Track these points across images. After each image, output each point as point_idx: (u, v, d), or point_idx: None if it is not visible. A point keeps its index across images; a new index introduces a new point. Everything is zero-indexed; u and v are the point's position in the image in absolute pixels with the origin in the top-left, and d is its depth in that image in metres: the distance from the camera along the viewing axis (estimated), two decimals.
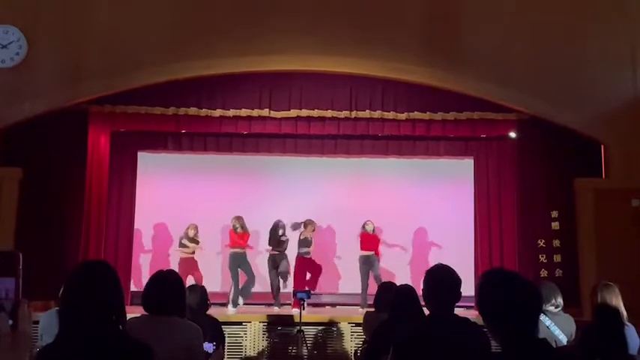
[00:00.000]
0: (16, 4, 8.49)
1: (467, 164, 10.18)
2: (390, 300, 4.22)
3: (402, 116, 9.16)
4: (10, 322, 1.52)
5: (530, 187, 9.18)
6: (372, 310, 5.64)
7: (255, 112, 9.06)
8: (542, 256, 9.04)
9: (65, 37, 8.41)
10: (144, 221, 9.94)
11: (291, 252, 9.60)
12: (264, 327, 8.17)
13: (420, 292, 3.42)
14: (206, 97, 9.05)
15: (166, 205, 10.09)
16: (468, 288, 3.10)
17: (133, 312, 3.14)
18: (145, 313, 3.17)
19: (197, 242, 9.58)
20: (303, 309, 7.91)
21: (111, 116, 9.05)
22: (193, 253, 9.55)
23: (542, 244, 9.07)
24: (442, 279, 3.03)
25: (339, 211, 10.21)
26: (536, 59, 8.61)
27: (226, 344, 5.84)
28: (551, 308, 4.28)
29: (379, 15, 8.60)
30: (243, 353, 8.05)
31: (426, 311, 3.13)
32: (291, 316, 8.20)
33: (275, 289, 9.31)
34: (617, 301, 4.10)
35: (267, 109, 9.05)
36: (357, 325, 7.83)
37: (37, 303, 6.81)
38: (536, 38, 8.64)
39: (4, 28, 8.31)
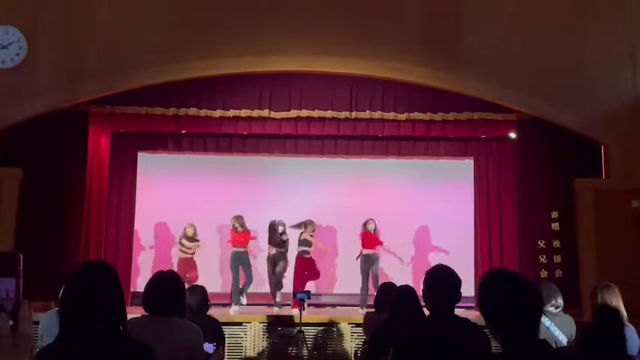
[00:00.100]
0: (16, 4, 8.49)
1: (467, 165, 10.18)
2: (390, 300, 4.22)
3: (402, 117, 9.16)
4: (11, 322, 1.52)
5: (530, 187, 9.18)
6: (372, 310, 5.65)
7: (255, 113, 9.06)
8: (542, 257, 9.04)
9: (65, 37, 8.41)
10: (144, 222, 9.94)
11: (292, 252, 9.61)
12: (264, 327, 8.17)
13: (420, 293, 3.42)
14: (206, 98, 9.05)
15: (166, 206, 10.09)
16: (468, 288, 3.10)
17: (134, 312, 3.14)
18: (145, 313, 3.16)
19: (197, 241, 9.56)
20: (303, 309, 7.91)
21: (111, 117, 9.05)
22: (193, 253, 9.55)
23: (542, 244, 9.06)
24: (442, 279, 3.03)
25: (339, 211, 10.20)
26: (536, 59, 8.62)
27: (226, 345, 5.84)
28: (552, 309, 4.28)
29: (379, 15, 8.60)
30: (244, 354, 8.04)
31: (426, 312, 3.13)
32: (291, 317, 8.20)
33: (273, 289, 9.31)
34: (617, 301, 4.10)
35: (267, 110, 9.05)
36: (357, 325, 7.83)
37: (37, 303, 6.81)
38: (536, 38, 8.65)
39: (4, 28, 8.31)
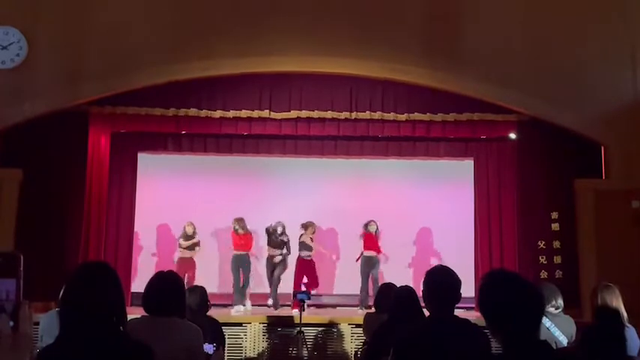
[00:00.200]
0: (16, 5, 8.50)
1: (467, 165, 10.18)
2: (390, 301, 4.22)
3: (402, 117, 9.16)
4: (11, 323, 1.52)
5: (530, 188, 9.18)
6: (373, 311, 5.65)
7: (255, 113, 9.06)
8: (542, 257, 9.04)
9: (65, 38, 8.42)
10: (144, 222, 9.93)
11: (294, 254, 9.62)
12: (265, 328, 8.17)
13: (420, 294, 3.42)
14: (206, 98, 9.05)
15: (166, 206, 10.09)
16: (468, 289, 3.09)
17: (134, 313, 3.14)
18: (145, 314, 3.16)
19: (196, 241, 9.52)
20: (304, 310, 7.91)
21: (111, 117, 9.05)
22: (193, 253, 9.52)
23: (542, 245, 9.07)
24: (442, 280, 3.02)
25: (340, 212, 10.21)
26: (536, 60, 8.62)
27: (226, 345, 5.84)
28: (552, 309, 4.28)
29: (379, 16, 8.60)
30: (244, 354, 8.04)
31: (427, 312, 3.13)
32: (291, 317, 8.20)
33: (273, 292, 9.31)
34: (617, 302, 4.10)
35: (267, 110, 9.05)
36: (358, 326, 7.83)
37: (37, 304, 6.78)
38: (536, 39, 8.65)
39: (4, 29, 8.32)
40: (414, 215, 10.36)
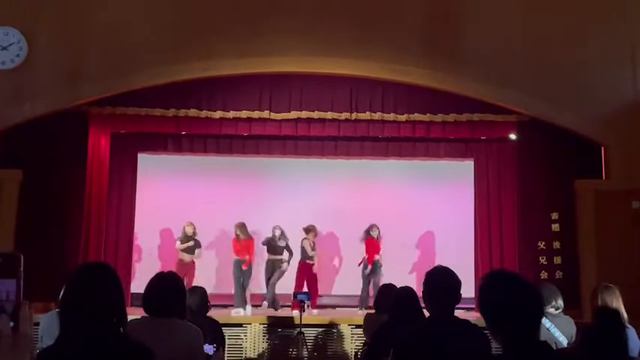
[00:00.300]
0: (16, 6, 8.50)
1: (467, 166, 10.18)
2: (391, 302, 4.22)
3: (402, 118, 9.17)
4: (11, 323, 1.52)
5: (530, 188, 9.18)
6: (373, 312, 5.64)
7: (256, 114, 9.07)
8: (542, 258, 9.04)
9: (65, 38, 8.42)
10: (144, 223, 9.93)
11: (295, 256, 9.62)
12: (265, 329, 8.17)
13: (420, 294, 3.42)
14: (206, 99, 9.06)
15: (166, 207, 10.09)
16: (468, 290, 3.09)
17: (134, 313, 3.14)
18: (146, 314, 3.16)
19: (191, 244, 9.48)
20: (304, 311, 7.90)
21: (111, 118, 9.06)
22: (193, 256, 9.49)
23: (542, 245, 9.07)
24: (442, 281, 3.02)
25: (340, 212, 10.21)
26: (536, 60, 8.62)
27: (226, 346, 5.84)
28: (552, 310, 4.28)
29: (379, 16, 8.61)
30: (244, 355, 8.04)
31: (427, 313, 3.13)
32: (291, 318, 8.20)
33: (270, 299, 9.30)
34: (617, 303, 4.10)
35: (268, 111, 9.06)
36: (358, 327, 7.82)
37: (37, 304, 6.78)
38: (536, 39, 8.65)
39: (4, 29, 8.32)
40: (414, 216, 10.36)
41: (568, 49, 8.66)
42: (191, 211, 9.88)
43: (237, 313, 8.81)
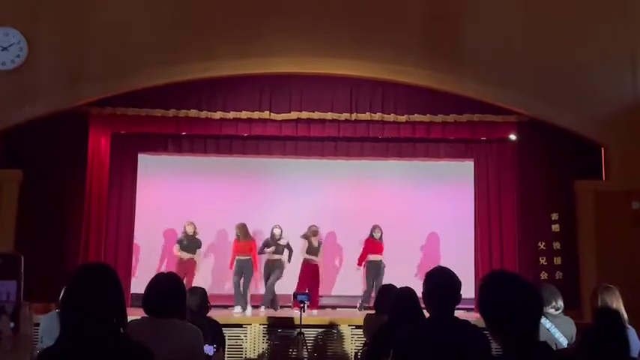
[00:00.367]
0: (16, 6, 8.50)
1: (467, 166, 10.18)
2: (391, 302, 4.22)
3: (402, 118, 9.17)
4: (12, 324, 1.52)
5: (530, 189, 9.18)
6: (373, 312, 5.64)
7: (256, 115, 9.07)
8: (542, 259, 9.04)
9: (65, 39, 8.42)
10: (144, 223, 9.93)
11: (297, 258, 9.64)
12: (265, 329, 8.17)
13: (420, 295, 3.42)
14: (206, 99, 9.06)
15: (167, 207, 10.09)
16: (468, 290, 3.09)
17: (134, 314, 3.14)
18: (146, 315, 3.16)
19: (199, 241, 9.50)
20: (304, 311, 7.90)
21: (111, 118, 9.06)
22: (194, 254, 9.50)
23: (542, 246, 9.07)
24: (442, 282, 3.02)
25: (340, 213, 10.21)
26: (536, 61, 8.63)
27: (227, 346, 5.84)
28: (552, 311, 4.27)
29: (379, 16, 8.61)
30: (244, 355, 8.04)
31: (427, 314, 3.13)
32: (291, 319, 8.20)
33: (268, 299, 9.30)
34: (617, 303, 4.09)
35: (268, 112, 9.06)
36: (358, 327, 7.83)
37: (37, 305, 6.80)
38: (536, 40, 8.66)
39: (4, 30, 8.32)
40: (414, 216, 10.36)
41: (568, 49, 8.66)
42: (191, 212, 9.88)
43: (237, 313, 8.82)
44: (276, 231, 9.47)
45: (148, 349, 2.18)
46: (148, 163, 10.08)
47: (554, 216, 9.10)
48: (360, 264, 9.70)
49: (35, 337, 4.61)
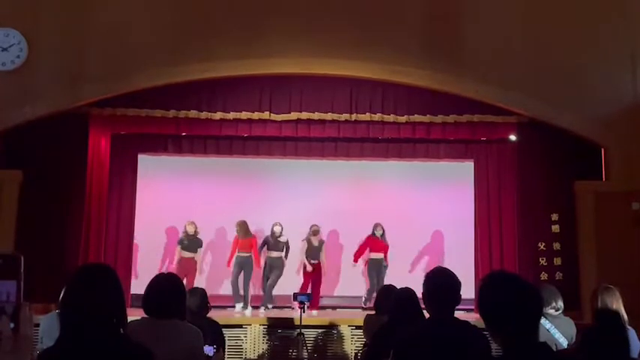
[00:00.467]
0: (16, 7, 8.51)
1: (467, 167, 10.18)
2: (391, 303, 4.22)
3: (402, 119, 9.17)
4: (12, 325, 1.52)
5: (530, 189, 9.18)
6: (373, 312, 5.64)
7: (256, 115, 9.07)
8: (542, 259, 9.04)
9: (65, 40, 8.43)
10: (144, 224, 9.92)
11: (295, 257, 9.63)
12: (265, 330, 8.17)
13: (420, 295, 3.42)
14: (206, 100, 9.06)
15: (167, 208, 10.09)
16: (467, 291, 3.09)
17: (134, 314, 3.14)
18: (146, 315, 3.16)
19: (200, 240, 9.50)
20: (304, 312, 7.90)
21: (111, 119, 9.06)
22: (195, 253, 9.49)
23: (542, 246, 9.07)
24: (442, 282, 3.03)
25: (340, 213, 10.21)
26: (536, 61, 8.63)
27: (227, 347, 5.84)
28: (552, 311, 4.27)
29: (379, 17, 8.61)
30: (244, 356, 8.04)
31: (427, 314, 3.13)
32: (291, 319, 8.20)
33: (267, 295, 9.31)
34: (617, 304, 4.09)
35: (268, 112, 9.06)
36: (358, 327, 7.83)
37: (37, 305, 6.80)
38: (536, 40, 8.66)
39: (4, 31, 8.33)
40: (414, 217, 10.36)
41: (568, 49, 8.66)
42: (191, 212, 9.87)
43: (237, 311, 8.83)
44: (277, 228, 9.47)
45: (148, 350, 2.18)
46: (148, 164, 10.08)
47: (554, 216, 9.10)
48: (355, 260, 9.69)
49: (35, 337, 4.62)
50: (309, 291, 9.10)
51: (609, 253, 8.26)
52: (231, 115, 9.06)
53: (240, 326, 8.13)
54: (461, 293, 3.04)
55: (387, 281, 8.48)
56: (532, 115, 8.95)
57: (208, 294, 4.78)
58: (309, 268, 9.47)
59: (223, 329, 4.93)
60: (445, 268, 3.16)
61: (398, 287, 4.49)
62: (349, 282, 10.15)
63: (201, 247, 9.55)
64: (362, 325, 5.87)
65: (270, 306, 9.29)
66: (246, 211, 9.74)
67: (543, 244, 9.07)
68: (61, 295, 2.26)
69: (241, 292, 9.30)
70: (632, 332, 3.77)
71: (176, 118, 9.06)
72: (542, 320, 3.88)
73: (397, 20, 8.63)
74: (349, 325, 8.18)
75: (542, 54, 8.62)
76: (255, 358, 8.06)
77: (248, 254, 9.35)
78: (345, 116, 9.14)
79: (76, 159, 8.85)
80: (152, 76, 8.52)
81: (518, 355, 1.99)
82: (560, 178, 9.02)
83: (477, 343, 2.89)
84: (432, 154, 10.18)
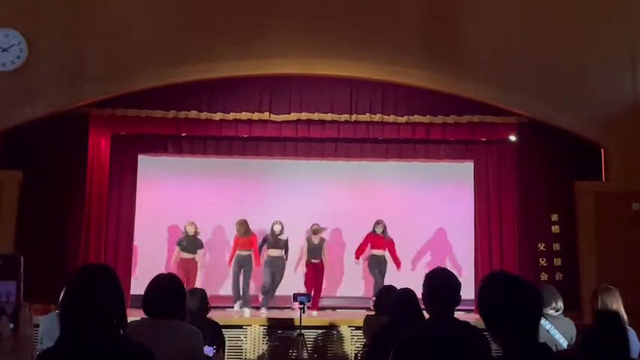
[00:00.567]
0: (16, 7, 8.50)
1: (467, 167, 10.18)
2: (391, 304, 4.22)
3: (402, 119, 9.17)
4: (12, 325, 1.52)
5: (530, 190, 9.18)
6: (372, 313, 5.64)
7: (256, 116, 9.07)
8: (542, 260, 9.04)
9: (65, 40, 8.43)
10: (144, 224, 9.92)
11: (295, 256, 9.63)
12: (265, 330, 8.17)
13: (420, 296, 3.42)
14: (206, 101, 9.06)
15: (167, 208, 10.09)
16: (467, 291, 3.10)
17: (133, 315, 3.14)
18: (145, 316, 3.16)
19: (199, 241, 9.50)
20: (304, 312, 7.90)
21: (111, 119, 9.06)
22: (195, 254, 9.49)
23: (542, 247, 9.06)
24: (442, 283, 3.03)
25: (340, 214, 10.21)
26: (536, 61, 8.62)
27: (226, 347, 5.84)
28: (552, 312, 4.27)
29: (379, 17, 8.61)
30: (244, 356, 8.04)
31: (427, 315, 3.13)
32: (291, 320, 8.20)
33: (265, 293, 9.30)
34: (617, 304, 4.09)
35: (268, 113, 9.06)
36: (358, 328, 7.83)
37: (37, 306, 6.80)
38: (536, 40, 8.65)
39: (4, 31, 8.33)
40: (413, 217, 10.35)
41: (568, 49, 8.66)
42: (191, 213, 9.87)
43: (237, 310, 8.84)
44: (276, 227, 9.47)
45: (148, 350, 2.18)
46: (147, 164, 10.08)
47: (554, 217, 9.10)
48: (357, 257, 9.70)
49: (35, 338, 4.61)
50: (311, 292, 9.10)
51: (609, 254, 8.26)
52: (231, 116, 9.06)
53: (240, 327, 8.13)
54: (461, 294, 3.05)
55: (388, 280, 8.47)
56: (532, 115, 8.95)
57: (208, 294, 4.79)
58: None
59: (223, 330, 4.93)
60: (445, 269, 3.16)
61: (398, 287, 4.49)
62: (349, 282, 10.15)
63: (201, 247, 9.54)
64: (362, 325, 5.88)
65: (267, 305, 9.26)
66: (246, 212, 9.74)
67: (543, 244, 9.06)
68: (61, 295, 2.26)
69: (241, 291, 9.29)
70: (632, 333, 3.77)
71: (176, 118, 9.06)
72: (542, 321, 3.88)
73: (397, 20, 8.62)
74: (349, 326, 8.18)
75: (542, 54, 8.61)
76: (255, 358, 8.06)
77: (248, 253, 9.35)
78: (344, 117, 9.14)
79: (76, 159, 8.85)
80: (152, 76, 8.52)
81: (519, 355, 1.99)
82: (560, 179, 9.02)
83: (477, 343, 2.89)
84: (432, 154, 10.18)
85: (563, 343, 4.18)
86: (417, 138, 9.65)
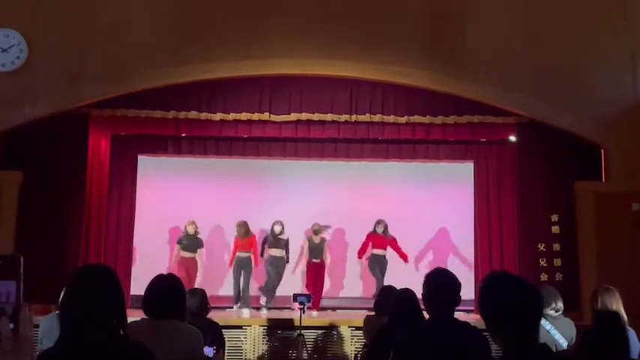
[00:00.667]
0: (16, 7, 8.50)
1: (467, 168, 10.18)
2: (391, 304, 4.22)
3: (402, 120, 9.16)
4: (11, 325, 1.52)
5: (530, 190, 9.18)
6: (372, 313, 5.64)
7: (256, 116, 9.07)
8: (542, 260, 9.04)
9: (65, 40, 8.42)
10: (144, 224, 9.92)
11: (295, 257, 9.63)
12: (265, 331, 8.17)
13: (419, 296, 3.42)
14: (206, 101, 9.06)
15: (166, 209, 10.08)
16: (467, 291, 3.09)
17: (134, 315, 3.14)
18: (145, 316, 3.16)
19: (200, 240, 9.51)
20: (304, 313, 7.90)
21: (111, 120, 9.06)
22: (195, 253, 9.49)
23: (542, 247, 9.06)
24: (442, 283, 3.03)
25: (340, 214, 10.21)
26: (536, 61, 8.62)
27: (226, 348, 5.84)
28: (552, 312, 4.27)
29: (379, 18, 8.61)
30: (244, 357, 8.04)
31: (427, 315, 3.13)
32: (291, 320, 8.20)
33: (267, 291, 9.30)
34: (617, 305, 4.09)
35: (268, 113, 9.06)
36: (358, 328, 7.83)
37: (36, 306, 6.80)
38: (536, 41, 8.65)
39: (4, 31, 8.33)
40: (413, 218, 10.35)
41: (568, 49, 8.66)
42: (191, 213, 9.87)
43: (236, 311, 8.82)
44: (276, 227, 9.47)
45: (148, 350, 2.18)
46: (147, 165, 10.08)
47: (554, 217, 9.10)
48: (360, 257, 9.71)
49: (35, 338, 4.61)
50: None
51: (609, 254, 8.26)
52: (231, 116, 9.06)
53: (239, 327, 8.13)
54: (461, 294, 3.04)
55: (390, 280, 8.47)
56: (532, 115, 8.95)
57: (208, 295, 4.78)
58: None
59: (223, 330, 4.93)
60: (445, 269, 3.16)
61: (399, 287, 4.49)
62: (349, 283, 10.15)
63: (201, 247, 9.54)
64: (362, 326, 5.87)
65: (268, 305, 9.27)
66: (246, 212, 9.74)
67: (543, 244, 9.06)
68: (61, 295, 2.25)
69: (241, 292, 9.29)
70: (632, 333, 3.77)
71: (176, 119, 9.06)
72: (542, 321, 3.88)
73: (397, 20, 8.62)
74: (349, 326, 8.18)
75: (542, 54, 8.61)
76: (255, 359, 8.06)
77: (247, 254, 9.35)
78: (344, 117, 9.14)
79: (76, 159, 8.85)
80: (152, 76, 8.52)
81: (519, 355, 1.99)
82: (560, 179, 9.02)
83: (477, 343, 2.89)
84: (432, 154, 10.18)
85: (563, 343, 4.18)
86: (417, 138, 9.65)
